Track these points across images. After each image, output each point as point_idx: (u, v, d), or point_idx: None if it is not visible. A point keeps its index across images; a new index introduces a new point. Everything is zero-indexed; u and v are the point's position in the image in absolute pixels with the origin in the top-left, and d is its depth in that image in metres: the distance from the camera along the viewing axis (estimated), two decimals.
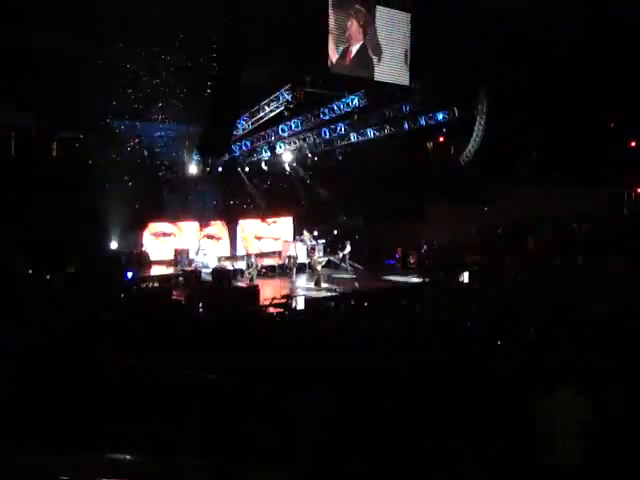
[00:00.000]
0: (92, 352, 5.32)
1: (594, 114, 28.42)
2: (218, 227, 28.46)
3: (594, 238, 27.86)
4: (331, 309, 18.65)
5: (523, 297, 16.64)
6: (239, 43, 22.12)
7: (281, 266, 27.30)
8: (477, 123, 30.57)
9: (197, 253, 25.59)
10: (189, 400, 4.96)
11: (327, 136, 28.44)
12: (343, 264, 27.95)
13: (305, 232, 28.77)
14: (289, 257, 25.54)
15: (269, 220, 30.52)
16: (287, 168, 30.50)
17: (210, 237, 27.40)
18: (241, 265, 25.63)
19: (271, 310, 17.71)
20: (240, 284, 23.00)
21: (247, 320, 9.08)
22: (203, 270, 24.16)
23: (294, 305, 18.92)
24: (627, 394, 5.64)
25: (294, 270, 25.62)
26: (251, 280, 23.29)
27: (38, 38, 21.13)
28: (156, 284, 22.40)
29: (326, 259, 27.66)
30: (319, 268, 25.34)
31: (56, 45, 21.68)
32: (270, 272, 26.36)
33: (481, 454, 4.67)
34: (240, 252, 27.61)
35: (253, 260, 23.98)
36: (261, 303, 20.10)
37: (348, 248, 27.85)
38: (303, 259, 27.93)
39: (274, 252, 29.26)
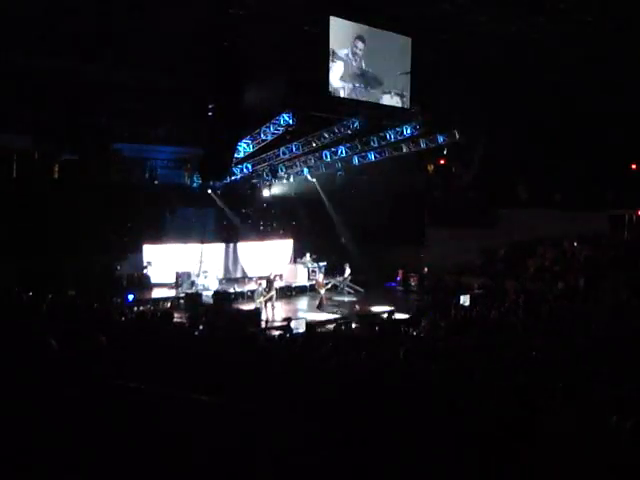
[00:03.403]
0: (92, 376, 5.28)
1: (595, 136, 28.48)
2: (219, 249, 28.43)
3: (595, 261, 27.85)
4: (331, 333, 18.55)
5: (525, 320, 16.58)
6: (240, 66, 22.23)
7: (282, 288, 27.28)
8: (478, 145, 30.66)
9: (198, 275, 25.54)
10: (192, 424, 4.92)
11: (328, 159, 28.50)
12: (345, 288, 27.92)
13: (307, 255, 28.79)
14: (268, 280, 24.14)
15: (269, 242, 30.46)
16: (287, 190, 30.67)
17: (211, 259, 27.34)
18: (242, 287, 25.59)
19: (272, 332, 17.69)
20: (241, 307, 22.94)
21: (246, 342, 9.06)
22: (204, 293, 24.10)
23: (295, 328, 18.85)
24: (632, 413, 5.60)
25: (271, 293, 23.73)
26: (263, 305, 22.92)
27: (39, 61, 21.24)
28: (157, 307, 22.36)
29: (331, 282, 27.56)
30: (323, 291, 25.21)
31: (57, 68, 21.79)
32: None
33: None
34: (241, 274, 27.55)
35: (261, 289, 23.59)
36: (262, 325, 20.10)
37: (348, 271, 27.82)
38: (304, 282, 27.95)
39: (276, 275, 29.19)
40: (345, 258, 29.28)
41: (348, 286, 28.23)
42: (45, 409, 4.54)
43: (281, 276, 27.99)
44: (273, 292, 24.07)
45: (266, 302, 23.43)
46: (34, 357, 5.39)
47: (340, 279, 28.04)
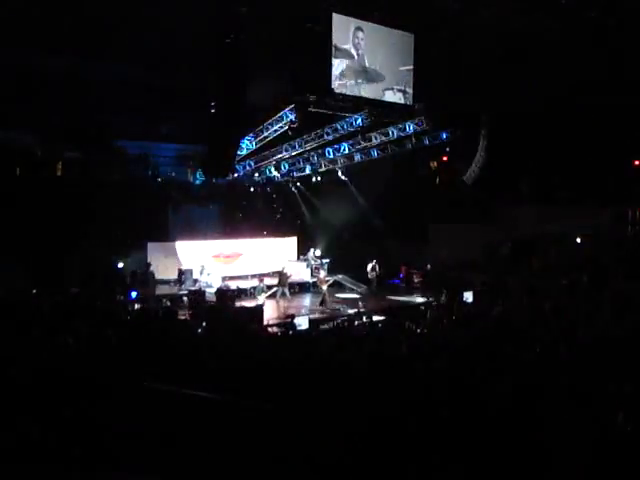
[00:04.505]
0: (98, 372, 5.31)
1: (597, 132, 28.45)
2: (222, 246, 28.46)
3: (598, 256, 27.82)
4: (335, 329, 18.58)
5: (529, 317, 16.58)
6: (242, 63, 22.24)
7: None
8: (480, 142, 30.63)
9: (201, 273, 25.55)
10: (194, 421, 4.94)
11: (331, 156, 28.49)
12: (374, 286, 28.08)
13: (310, 251, 28.79)
14: (280, 274, 25.24)
15: (273, 239, 30.48)
16: (291, 187, 30.71)
17: (214, 257, 27.38)
18: (245, 285, 25.60)
19: (274, 330, 17.71)
20: (244, 304, 22.95)
21: (249, 340, 9.09)
22: (207, 290, 24.12)
23: (298, 325, 18.88)
24: (634, 411, 5.62)
25: (283, 289, 24.99)
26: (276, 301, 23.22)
27: (43, 59, 21.27)
28: (160, 304, 22.37)
29: (332, 279, 27.56)
30: (325, 287, 25.21)
31: (59, 66, 21.82)
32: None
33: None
34: (244, 272, 27.56)
35: (262, 285, 23.77)
36: (265, 323, 20.09)
37: (376, 268, 28.03)
38: (307, 278, 27.96)
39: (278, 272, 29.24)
40: (370, 255, 29.40)
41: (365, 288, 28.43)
42: (61, 403, 4.57)
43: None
44: (286, 287, 24.72)
45: (279, 296, 23.78)
46: (51, 354, 5.43)
47: (370, 277, 28.22)
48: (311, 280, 27.78)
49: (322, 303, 24.49)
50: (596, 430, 5.38)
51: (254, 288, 24.31)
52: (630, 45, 23.55)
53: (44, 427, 4.32)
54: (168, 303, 23.18)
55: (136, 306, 20.26)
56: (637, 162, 31.47)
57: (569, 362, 10.18)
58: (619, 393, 7.34)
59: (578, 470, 4.53)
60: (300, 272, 28.21)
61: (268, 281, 25.35)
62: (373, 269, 28.11)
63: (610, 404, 6.88)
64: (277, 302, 24.17)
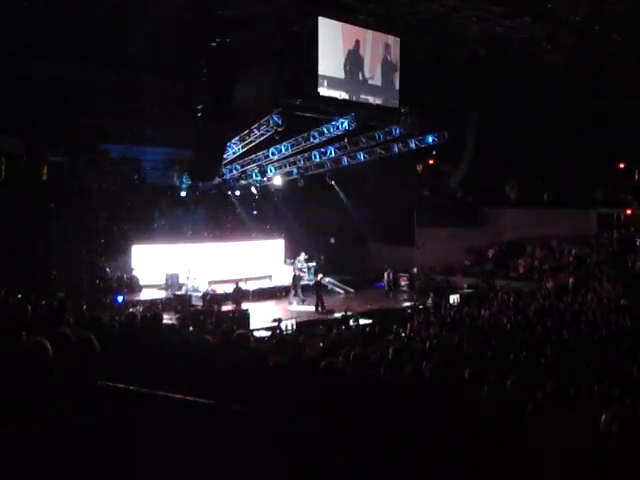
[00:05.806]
0: (82, 378, 5.25)
1: (583, 135, 28.59)
2: (209, 250, 28.38)
3: (584, 260, 27.96)
4: (322, 332, 18.61)
5: (514, 320, 16.64)
6: (228, 66, 22.21)
7: (272, 289, 27.43)
8: (467, 145, 30.71)
9: (188, 277, 25.47)
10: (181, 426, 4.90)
11: (317, 159, 28.43)
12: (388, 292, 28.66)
13: (301, 255, 28.75)
14: (294, 277, 26.15)
15: (259, 242, 30.41)
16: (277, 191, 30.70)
17: (201, 261, 27.28)
18: (232, 289, 25.60)
19: (262, 333, 17.71)
20: (230, 308, 22.93)
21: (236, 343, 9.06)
22: (193, 294, 24.07)
23: (285, 328, 18.89)
24: (620, 413, 5.62)
25: (299, 290, 26.00)
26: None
27: (28, 63, 21.17)
28: (147, 308, 22.27)
29: (329, 286, 27.67)
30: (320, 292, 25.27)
31: (46, 70, 21.72)
32: (262, 295, 26.42)
33: None
34: (230, 276, 27.49)
35: (241, 286, 24.07)
36: (252, 327, 20.05)
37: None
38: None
39: (265, 276, 29.22)
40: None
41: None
42: (40, 413, 4.52)
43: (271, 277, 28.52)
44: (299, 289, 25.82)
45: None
46: (29, 362, 5.36)
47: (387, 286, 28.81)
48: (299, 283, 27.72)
49: (317, 307, 24.48)
50: (581, 432, 5.38)
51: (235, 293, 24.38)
52: (614, 49, 23.69)
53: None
54: (154, 308, 23.10)
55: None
56: (622, 165, 31.63)
57: (555, 364, 10.22)
58: (604, 394, 7.37)
59: (562, 472, 4.53)
60: (288, 275, 28.23)
61: (255, 284, 25.59)
62: (388, 276, 28.90)
63: (595, 406, 6.90)
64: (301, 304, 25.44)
